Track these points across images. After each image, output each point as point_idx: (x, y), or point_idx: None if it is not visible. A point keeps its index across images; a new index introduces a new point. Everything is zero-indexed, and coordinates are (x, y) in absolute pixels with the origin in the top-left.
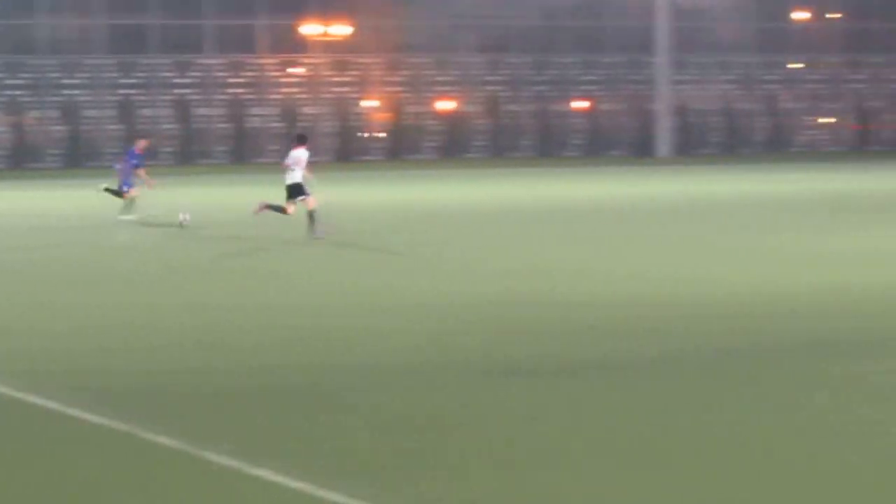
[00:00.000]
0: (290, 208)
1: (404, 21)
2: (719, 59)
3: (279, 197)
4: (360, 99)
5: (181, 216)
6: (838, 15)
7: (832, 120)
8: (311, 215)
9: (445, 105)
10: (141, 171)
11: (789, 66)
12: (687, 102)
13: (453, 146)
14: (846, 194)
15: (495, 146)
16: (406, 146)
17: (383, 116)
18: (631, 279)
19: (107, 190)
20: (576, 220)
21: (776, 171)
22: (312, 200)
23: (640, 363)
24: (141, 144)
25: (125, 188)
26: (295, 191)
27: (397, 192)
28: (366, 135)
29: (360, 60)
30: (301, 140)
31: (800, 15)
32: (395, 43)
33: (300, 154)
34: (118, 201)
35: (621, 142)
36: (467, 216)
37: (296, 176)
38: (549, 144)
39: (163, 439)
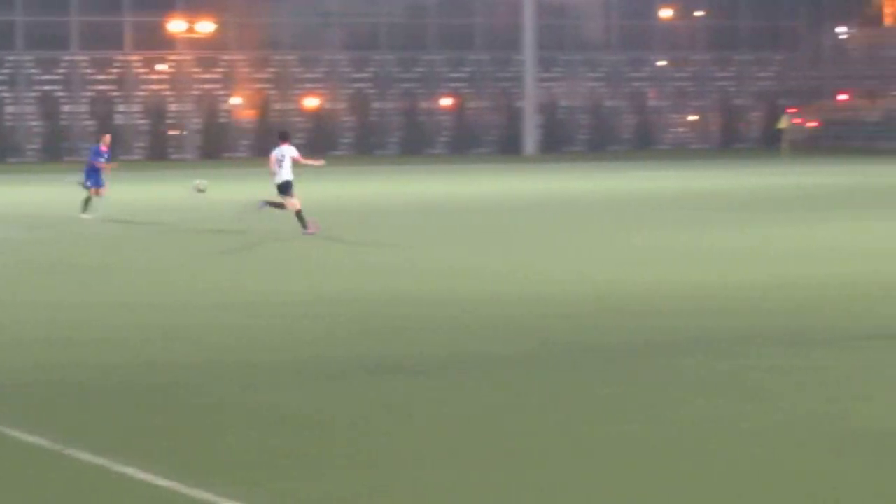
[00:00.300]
0: (291, 202)
1: (271, 18)
2: (586, 56)
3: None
4: (227, 96)
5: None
6: (703, 12)
7: (697, 118)
8: (298, 214)
9: (312, 102)
10: (106, 168)
11: (657, 63)
12: (554, 100)
13: (319, 144)
14: (710, 192)
15: (362, 144)
16: (272, 144)
17: (250, 114)
18: (497, 277)
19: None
20: (442, 217)
21: (643, 169)
22: (296, 202)
23: (504, 361)
24: (106, 140)
25: (89, 185)
26: (285, 188)
27: (266, 190)
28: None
29: (227, 58)
30: (283, 137)
31: (666, 12)
32: (261, 40)
33: (286, 151)
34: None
35: (488, 139)
36: (333, 214)
37: (284, 174)
38: (417, 142)
39: (26, 437)
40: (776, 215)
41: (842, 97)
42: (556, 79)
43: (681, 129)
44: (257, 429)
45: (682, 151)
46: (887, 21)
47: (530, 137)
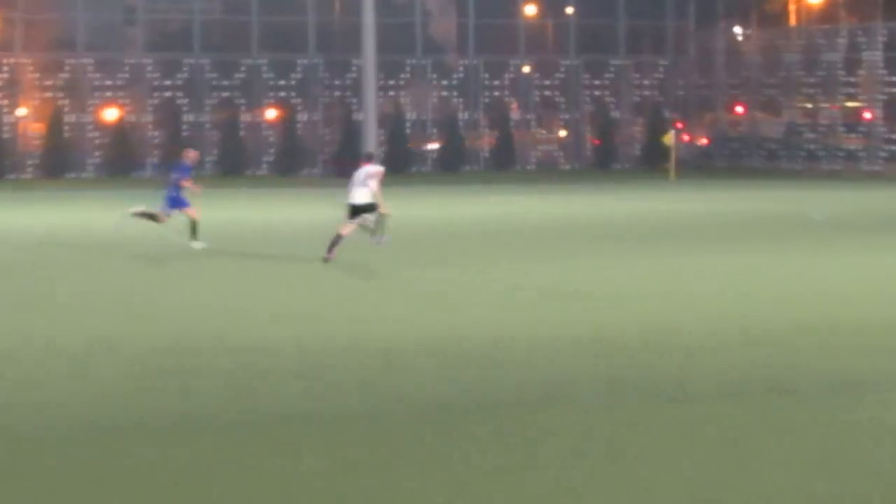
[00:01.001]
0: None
1: (63, 13)
2: (437, 60)
3: None
4: (11, 107)
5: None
6: (574, 10)
7: (567, 133)
8: (377, 222)
9: (111, 114)
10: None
11: (521, 69)
12: (399, 112)
13: (120, 163)
14: (580, 220)
15: (169, 164)
16: (66, 163)
17: (37, 127)
18: (310, 320)
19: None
20: (260, 249)
21: (502, 193)
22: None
23: (331, 415)
24: (191, 155)
25: (179, 207)
26: (362, 209)
27: (54, 215)
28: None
29: (9, 61)
30: (369, 158)
31: (531, 9)
32: (51, 40)
33: (371, 170)
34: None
35: (320, 158)
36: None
37: (364, 194)
38: (236, 161)
39: None
40: (658, 247)
41: (738, 109)
42: (402, 87)
43: (548, 147)
44: None
45: (550, 172)
46: (792, 20)
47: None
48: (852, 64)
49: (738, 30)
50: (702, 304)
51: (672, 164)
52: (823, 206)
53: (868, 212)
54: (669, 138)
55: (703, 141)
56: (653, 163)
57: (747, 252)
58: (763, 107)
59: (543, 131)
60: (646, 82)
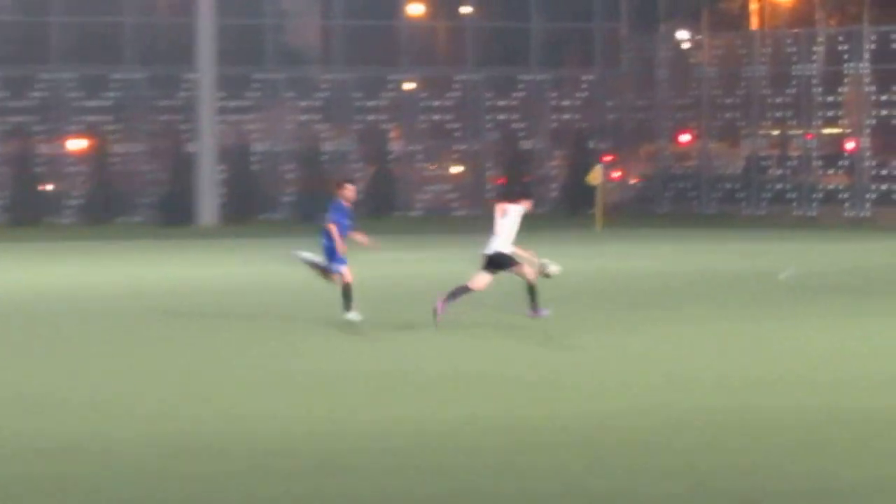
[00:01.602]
0: (479, 283)
1: None
2: (294, 75)
3: None
4: None
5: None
6: (473, 10)
7: (463, 168)
8: (531, 290)
9: None
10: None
11: (403, 86)
12: (245, 141)
13: None
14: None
15: None
16: None
17: None
18: (97, 413)
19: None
20: (36, 322)
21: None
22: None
23: None
24: (349, 192)
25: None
26: (503, 261)
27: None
28: None
29: None
30: (523, 194)
31: (416, 8)
32: None
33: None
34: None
35: (143, 202)
36: None
37: (501, 241)
38: (32, 206)
39: None
40: (577, 320)
41: (685, 138)
42: (248, 108)
43: (439, 187)
44: None
45: (439, 220)
46: (754, 23)
47: (208, 199)
48: (832, 79)
49: (685, 35)
50: (622, 393)
51: (599, 209)
52: (793, 261)
53: (851, 269)
54: (596, 176)
55: (641, 179)
56: (575, 207)
57: (692, 323)
58: (718, 134)
59: (433, 167)
60: (566, 103)
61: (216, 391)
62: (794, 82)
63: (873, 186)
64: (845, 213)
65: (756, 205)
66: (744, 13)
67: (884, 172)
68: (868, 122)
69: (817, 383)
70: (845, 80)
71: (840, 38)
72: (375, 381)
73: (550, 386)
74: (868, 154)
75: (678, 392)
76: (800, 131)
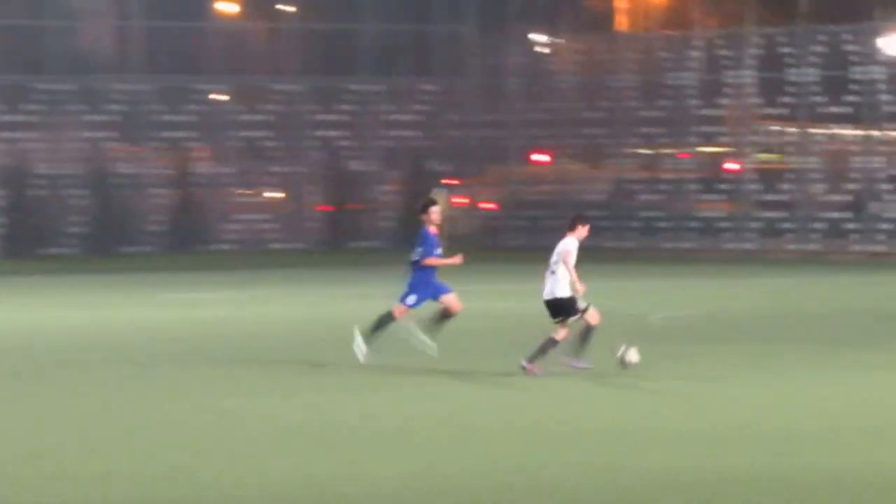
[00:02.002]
0: (562, 333)
1: None
2: (83, 84)
3: None
4: None
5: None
6: (295, 10)
7: (283, 195)
8: (586, 334)
9: None
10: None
11: (209, 96)
12: (26, 163)
13: None
14: (275, 331)
15: None
16: None
17: None
18: None
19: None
20: None
21: (174, 289)
22: (594, 313)
23: None
24: (434, 215)
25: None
26: (564, 308)
27: None
28: None
29: None
30: (580, 220)
31: (226, 7)
32: None
33: (562, 246)
34: None
35: None
36: None
37: (560, 283)
38: None
39: None
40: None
41: (539, 158)
42: (27, 125)
43: (254, 216)
44: None
45: (252, 257)
46: (622, 23)
47: None
48: (711, 89)
49: (540, 38)
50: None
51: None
52: (664, 301)
53: (730, 312)
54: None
55: (489, 206)
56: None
57: (523, 378)
58: (579, 154)
59: (246, 192)
60: (402, 118)
61: None
62: (667, 93)
63: (759, 215)
64: (725, 246)
65: (623, 236)
66: (610, 13)
67: (771, 198)
68: (753, 139)
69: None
70: (726, 91)
71: (720, 42)
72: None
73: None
74: (753, 176)
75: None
76: (673, 150)
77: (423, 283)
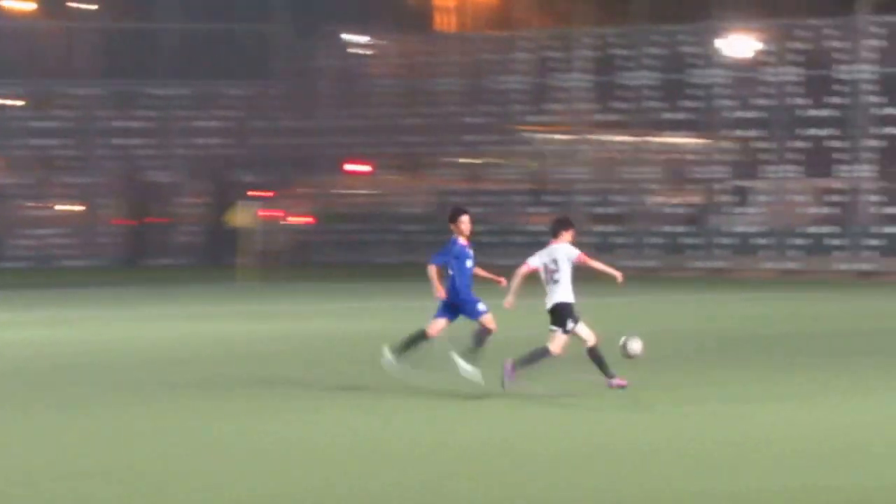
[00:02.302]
0: (558, 344)
1: None
2: None
3: None
4: None
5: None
6: (96, 7)
7: (84, 208)
8: (591, 353)
9: None
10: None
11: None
12: None
13: None
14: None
15: None
16: None
17: None
18: None
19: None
20: None
21: None
22: (588, 332)
23: None
24: (464, 224)
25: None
26: (563, 314)
27: None
28: None
29: None
30: (564, 225)
31: (15, 5)
32: None
33: (562, 252)
34: None
35: None
36: None
37: (562, 290)
38: None
39: None
40: (165, 403)
41: (354, 168)
42: None
43: (46, 231)
44: None
45: (44, 275)
46: (446, 23)
47: None
48: (540, 93)
49: (357, 38)
50: None
51: (245, 258)
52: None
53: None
54: (241, 216)
55: (304, 220)
56: (219, 255)
57: (282, 410)
58: (398, 165)
59: (38, 204)
60: (209, 124)
61: None
62: (494, 98)
63: (592, 229)
64: None
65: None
66: (431, 12)
67: (604, 210)
68: (581, 148)
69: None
70: (557, 95)
71: (549, 44)
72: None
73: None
74: (586, 187)
75: None
76: (500, 160)
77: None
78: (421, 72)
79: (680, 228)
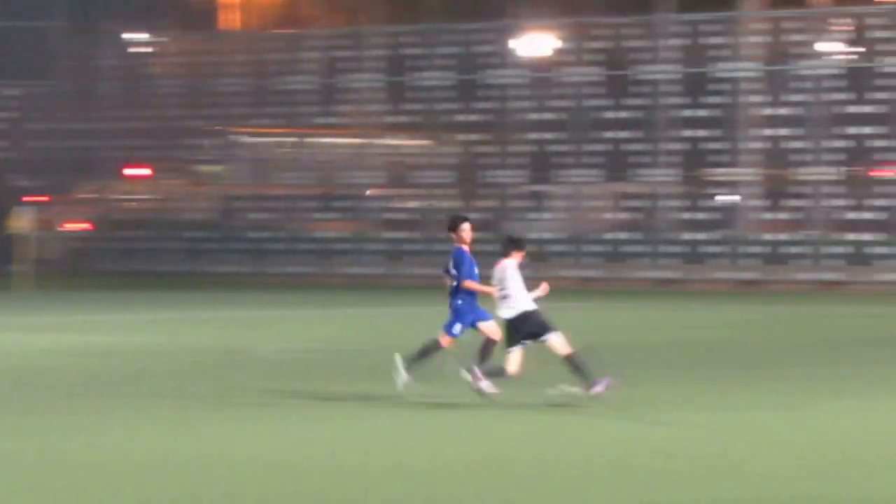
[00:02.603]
0: (513, 364)
1: None
2: None
3: None
4: None
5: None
6: None
7: None
8: (570, 361)
9: None
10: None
11: None
12: None
13: None
14: None
15: None
16: None
17: None
18: None
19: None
20: None
21: None
22: (559, 340)
23: None
24: (465, 232)
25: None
26: (521, 327)
27: None
28: None
29: None
30: (515, 245)
31: None
32: None
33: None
34: None
35: None
36: None
37: (518, 301)
38: None
39: None
40: None
41: (135, 172)
42: None
43: None
44: None
45: None
46: (232, 20)
47: None
48: (330, 94)
49: (139, 37)
50: None
51: (20, 265)
52: (275, 333)
53: (344, 344)
54: (16, 221)
55: (82, 226)
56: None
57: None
58: (182, 170)
59: None
60: None
61: None
62: (283, 99)
63: (383, 236)
64: (343, 271)
65: (229, 259)
66: (216, 10)
67: (394, 217)
68: (377, 153)
69: None
70: (347, 97)
71: (339, 43)
72: None
73: None
74: (376, 193)
75: None
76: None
77: (467, 309)
78: (205, 72)
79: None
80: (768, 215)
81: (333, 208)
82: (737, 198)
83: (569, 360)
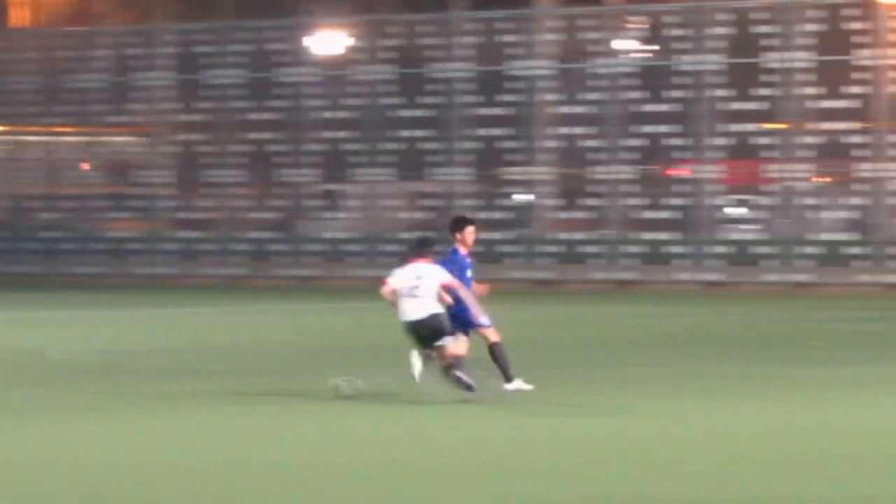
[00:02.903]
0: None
1: None
2: None
3: None
4: None
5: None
6: None
7: None
8: (448, 367)
9: None
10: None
11: None
12: None
13: None
14: None
15: None
16: None
17: None
18: None
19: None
20: None
21: None
22: (461, 344)
23: None
24: (469, 235)
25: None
26: (429, 330)
27: None
28: None
29: None
30: (424, 245)
31: None
32: None
33: (423, 272)
34: None
35: None
36: None
37: (424, 305)
38: None
39: None
40: None
41: None
42: None
43: None
44: None
45: None
46: (19, 20)
47: None
48: (122, 93)
49: None
50: None
51: None
52: (66, 334)
53: (134, 344)
54: None
55: None
56: None
57: None
58: None
59: None
60: None
61: None
62: (71, 98)
63: (179, 234)
64: (138, 270)
65: (21, 260)
66: (6, 6)
67: (188, 216)
68: (166, 150)
69: None
70: (139, 95)
71: (130, 41)
72: None
73: None
74: (174, 192)
75: None
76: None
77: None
78: None
79: (267, 234)
80: (564, 214)
81: (126, 207)
82: (532, 197)
83: (449, 366)
